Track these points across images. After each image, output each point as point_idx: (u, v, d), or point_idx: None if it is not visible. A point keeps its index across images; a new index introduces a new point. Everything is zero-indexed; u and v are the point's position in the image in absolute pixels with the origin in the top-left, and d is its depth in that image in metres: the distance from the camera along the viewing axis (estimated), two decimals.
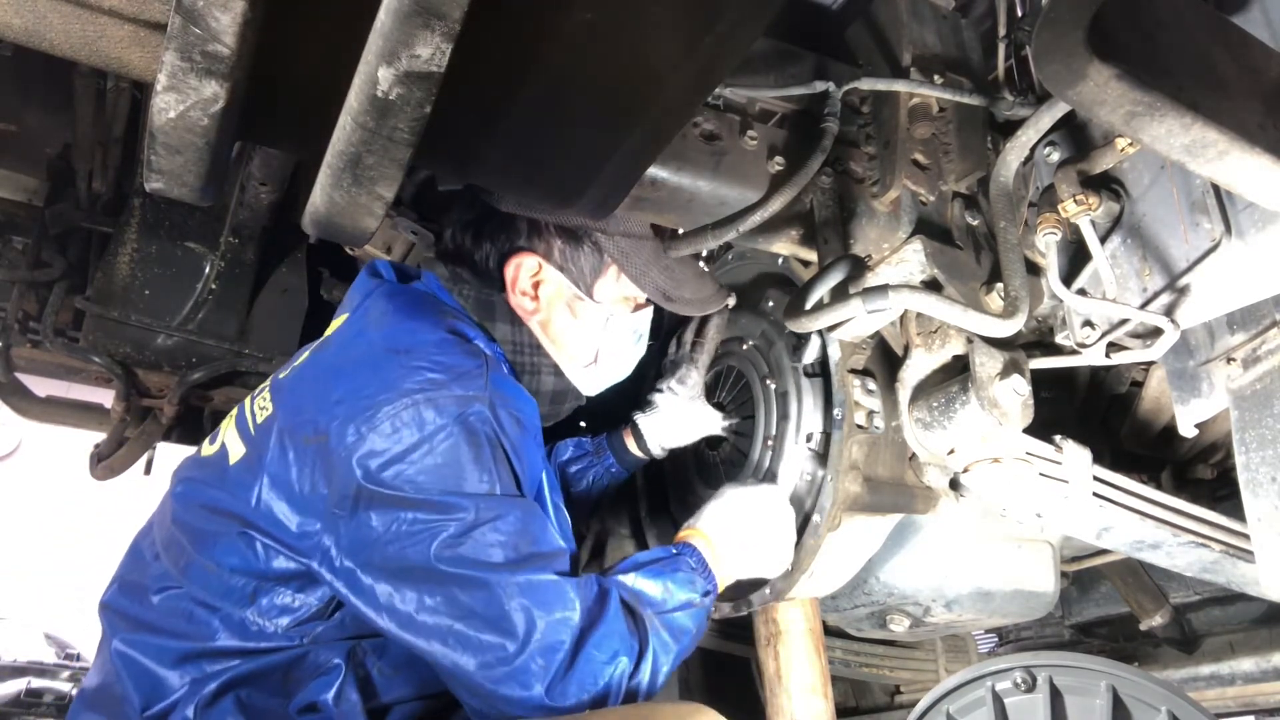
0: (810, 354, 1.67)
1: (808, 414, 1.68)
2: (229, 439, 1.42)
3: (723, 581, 1.51)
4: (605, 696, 1.22)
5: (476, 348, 1.42)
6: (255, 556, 1.28)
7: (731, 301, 1.76)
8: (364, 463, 1.23)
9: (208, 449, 1.46)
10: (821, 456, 1.64)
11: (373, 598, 1.24)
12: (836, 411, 1.58)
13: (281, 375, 1.46)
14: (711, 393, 1.92)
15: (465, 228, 1.57)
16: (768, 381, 1.75)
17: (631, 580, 1.38)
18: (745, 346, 1.84)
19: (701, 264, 2.46)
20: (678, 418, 1.82)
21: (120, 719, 1.27)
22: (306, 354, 1.48)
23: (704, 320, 1.85)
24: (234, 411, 1.48)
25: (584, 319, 1.57)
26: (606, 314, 1.57)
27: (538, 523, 1.32)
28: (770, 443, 1.71)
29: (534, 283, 1.54)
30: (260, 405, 1.41)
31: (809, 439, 1.67)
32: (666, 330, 2.02)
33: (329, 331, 1.54)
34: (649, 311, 1.63)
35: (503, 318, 1.54)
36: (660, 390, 1.83)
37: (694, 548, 1.49)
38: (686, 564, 1.45)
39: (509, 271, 1.54)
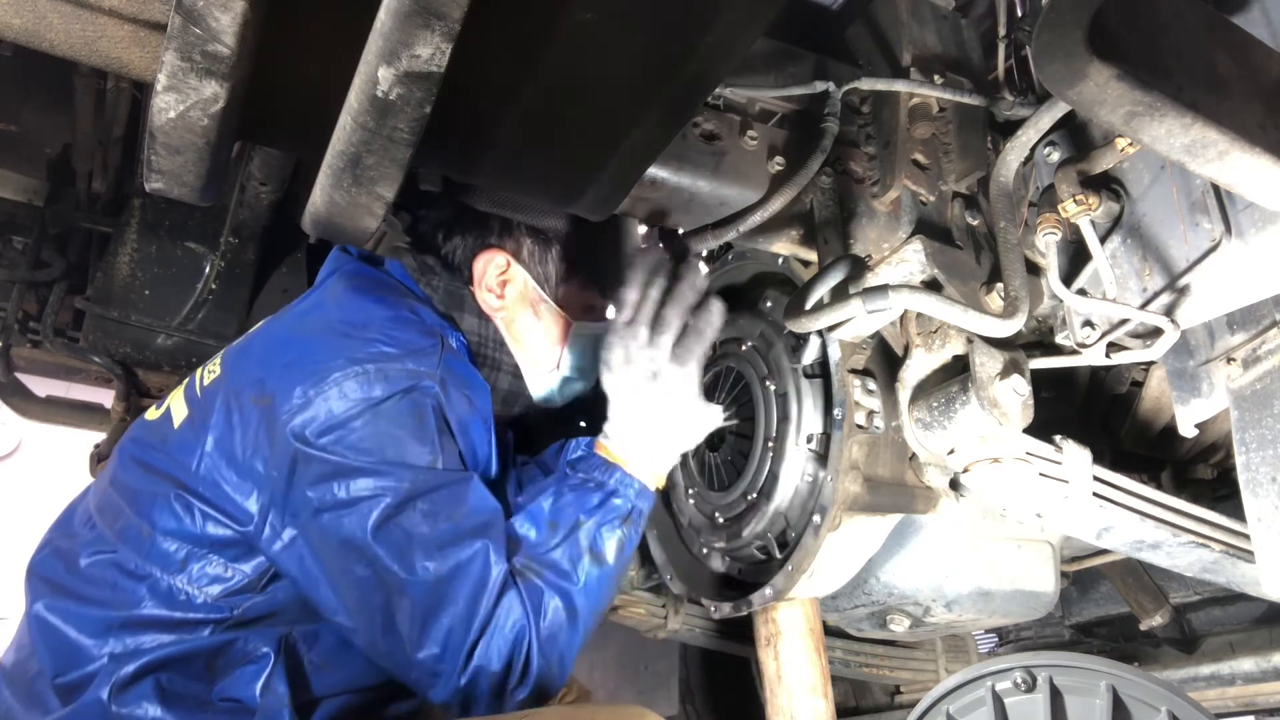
0: (810, 355, 1.67)
1: (808, 415, 1.68)
2: (174, 404, 1.41)
3: (636, 463, 1.45)
4: (509, 666, 1.23)
5: (432, 329, 1.43)
6: (191, 521, 1.27)
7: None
8: (306, 426, 1.24)
9: (153, 414, 1.46)
10: (821, 457, 1.64)
11: (302, 564, 1.24)
12: (836, 411, 1.58)
13: (235, 343, 1.46)
14: (711, 394, 1.92)
15: (437, 222, 1.57)
16: (767, 383, 1.75)
17: (517, 525, 1.37)
18: (744, 347, 1.84)
19: (703, 264, 2.47)
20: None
21: (32, 694, 1.26)
22: (261, 324, 1.48)
23: None
24: (185, 379, 1.48)
25: (547, 322, 1.57)
26: (570, 319, 1.57)
27: (476, 494, 1.32)
28: (770, 444, 1.71)
29: (501, 280, 1.55)
30: (210, 370, 1.42)
31: (809, 440, 1.67)
32: None
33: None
34: (587, 300, 1.63)
35: (471, 311, 1.54)
36: None
37: (585, 454, 1.48)
38: (573, 481, 1.42)
39: (477, 267, 1.54)
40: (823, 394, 1.67)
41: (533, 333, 1.57)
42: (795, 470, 1.67)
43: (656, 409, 1.47)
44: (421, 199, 1.57)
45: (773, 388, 1.74)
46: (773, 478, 1.69)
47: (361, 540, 1.22)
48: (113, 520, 1.33)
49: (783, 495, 1.68)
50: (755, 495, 1.71)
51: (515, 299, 1.56)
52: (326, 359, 1.28)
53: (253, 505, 1.26)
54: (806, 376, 1.69)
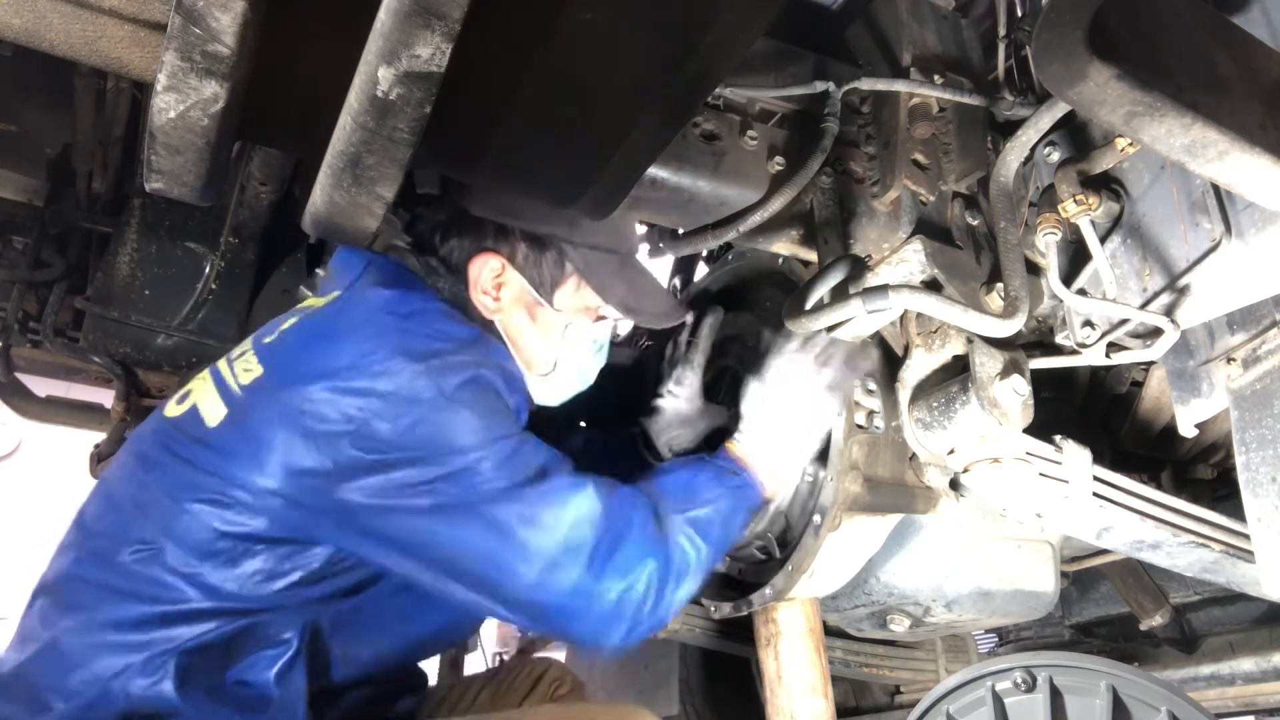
0: None
1: None
2: (203, 402, 1.38)
3: (766, 470, 1.54)
4: (631, 590, 1.29)
5: (466, 321, 1.45)
6: (245, 518, 1.26)
7: (689, 318, 1.83)
8: (375, 425, 1.24)
9: (174, 410, 1.42)
10: (822, 457, 1.64)
11: (395, 543, 1.27)
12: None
13: (267, 340, 1.43)
14: (712, 394, 1.92)
15: (434, 224, 1.58)
16: None
17: (653, 484, 1.44)
18: (745, 348, 1.84)
19: (702, 262, 2.47)
20: (681, 419, 1.82)
21: (37, 699, 1.23)
22: (293, 319, 1.47)
23: (697, 321, 1.85)
24: (203, 374, 1.45)
25: (543, 325, 1.58)
26: (565, 322, 1.58)
27: (544, 448, 1.38)
28: None
29: (496, 284, 1.55)
30: (244, 367, 1.39)
31: None
32: (664, 339, 2.03)
33: (316, 304, 1.53)
34: (609, 323, 1.64)
35: (472, 313, 1.55)
36: (661, 395, 1.84)
37: (724, 450, 1.56)
38: (714, 464, 1.51)
39: (473, 270, 1.55)
40: None
41: (528, 336, 1.57)
42: None
43: (795, 426, 1.56)
44: (418, 199, 1.57)
45: None
46: None
47: (455, 507, 1.25)
48: (156, 517, 1.30)
49: (783, 495, 1.68)
50: None
51: (511, 302, 1.56)
52: (385, 356, 1.29)
53: (322, 500, 1.26)
54: None
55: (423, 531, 1.26)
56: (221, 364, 1.43)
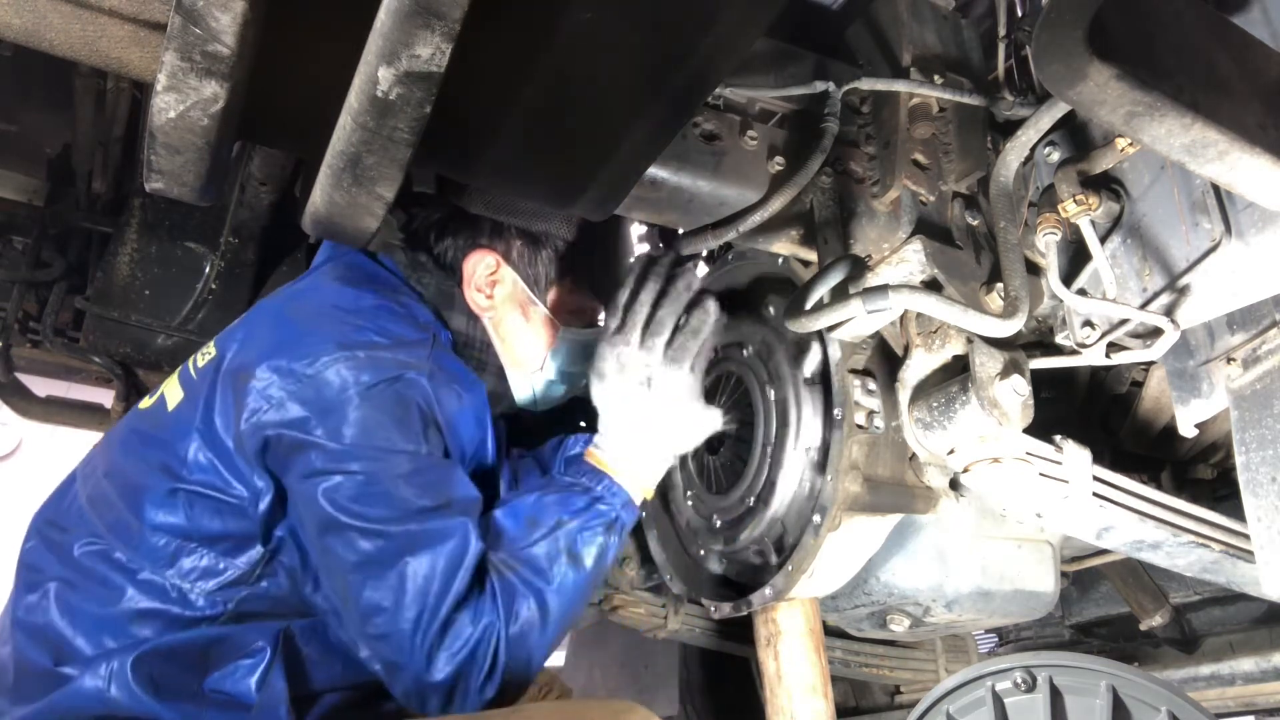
0: (811, 364, 1.66)
1: (807, 423, 1.67)
2: (168, 389, 1.42)
3: (626, 473, 1.45)
4: (474, 658, 1.21)
5: (424, 324, 1.44)
6: (181, 513, 1.28)
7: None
8: (294, 407, 1.25)
9: (146, 402, 1.46)
10: (820, 465, 1.63)
11: (298, 538, 1.27)
12: (836, 411, 1.58)
13: (229, 326, 1.47)
14: (712, 398, 1.91)
15: (430, 221, 1.58)
16: (768, 389, 1.75)
17: (498, 518, 1.37)
18: (746, 352, 1.84)
19: (702, 263, 2.46)
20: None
21: (18, 686, 1.24)
22: (255, 305, 1.50)
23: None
24: (179, 367, 1.49)
25: (535, 324, 1.58)
26: (558, 322, 1.57)
27: (458, 480, 1.33)
28: (769, 450, 1.71)
29: (490, 281, 1.56)
30: (204, 353, 1.43)
31: (808, 449, 1.66)
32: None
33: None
34: (600, 328, 1.64)
35: (460, 310, 1.55)
36: None
37: (578, 454, 1.49)
38: (563, 482, 1.43)
39: (467, 267, 1.55)
40: (823, 403, 1.67)
41: (519, 334, 1.58)
42: (793, 477, 1.67)
43: (651, 416, 1.46)
44: (416, 197, 1.57)
45: (773, 394, 1.73)
46: (770, 484, 1.68)
47: (343, 514, 1.22)
48: (104, 512, 1.32)
49: (780, 501, 1.68)
50: (753, 500, 1.71)
51: (504, 300, 1.56)
52: (317, 342, 1.29)
53: (248, 482, 1.27)
54: (807, 385, 1.68)
55: (310, 523, 1.25)
56: (193, 355, 1.46)
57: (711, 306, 1.52)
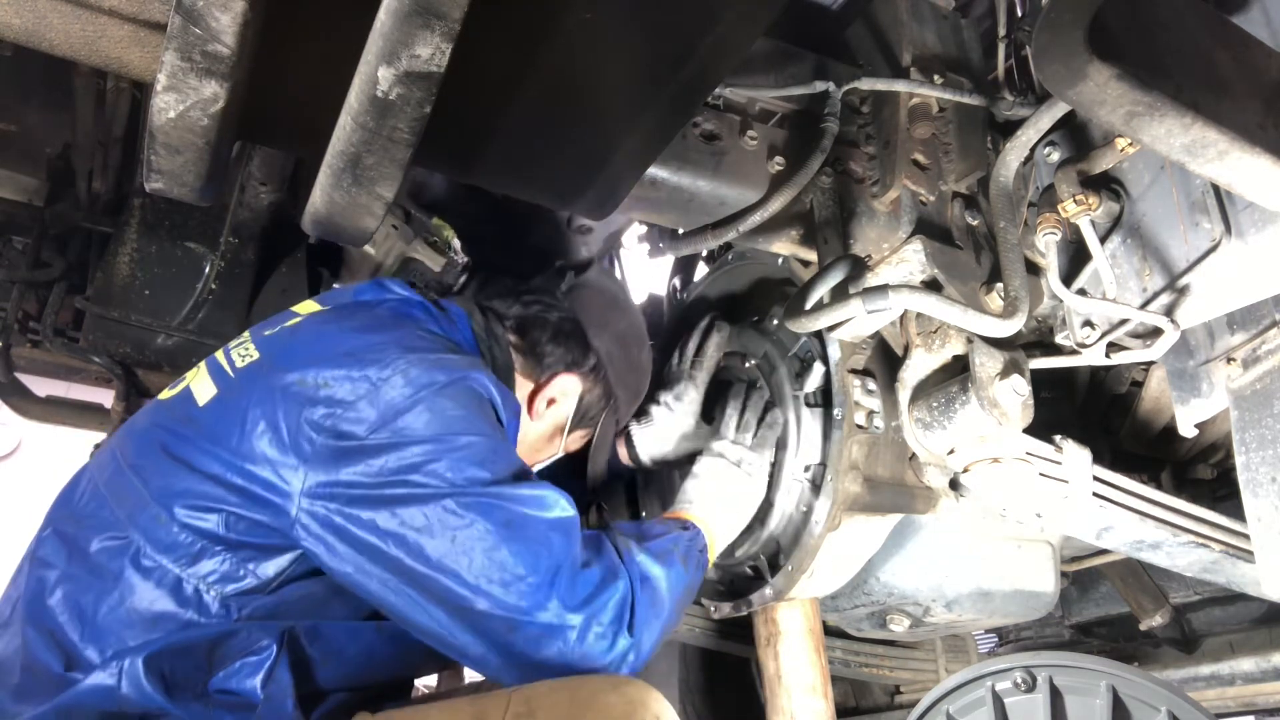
0: (812, 383, 1.66)
1: (806, 444, 1.66)
2: (196, 383, 1.40)
3: (710, 534, 1.57)
4: (601, 610, 1.23)
5: (474, 361, 1.46)
6: (212, 515, 1.26)
7: (696, 332, 1.90)
8: (361, 408, 1.26)
9: (168, 394, 1.44)
10: (817, 488, 1.62)
11: (350, 546, 1.23)
12: (836, 411, 1.58)
13: (268, 332, 1.45)
14: (712, 406, 1.90)
15: (544, 321, 1.64)
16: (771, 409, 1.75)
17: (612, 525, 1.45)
18: (747, 365, 1.83)
19: (703, 261, 2.46)
20: (670, 432, 1.81)
21: (24, 685, 1.22)
22: (296, 319, 1.48)
23: (705, 336, 1.85)
24: (199, 364, 1.47)
25: (547, 446, 1.69)
26: (563, 442, 1.69)
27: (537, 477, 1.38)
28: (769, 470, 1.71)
29: (554, 398, 1.63)
30: (241, 353, 1.41)
31: (806, 469, 1.66)
32: (664, 342, 2.02)
33: (315, 308, 1.54)
34: (577, 444, 1.74)
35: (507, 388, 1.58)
36: (657, 403, 1.82)
37: (677, 517, 1.59)
38: (661, 520, 1.54)
39: (556, 381, 1.62)
40: (821, 424, 1.67)
41: (533, 442, 1.66)
42: (790, 498, 1.66)
43: (739, 491, 1.64)
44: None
45: (777, 415, 1.73)
46: (768, 504, 1.68)
47: (438, 509, 1.22)
48: (128, 505, 1.30)
49: (776, 521, 1.68)
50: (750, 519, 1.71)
51: (549, 416, 1.64)
52: (385, 347, 1.32)
53: (293, 486, 1.25)
54: (808, 405, 1.68)
55: (388, 527, 1.23)
56: (218, 353, 1.45)
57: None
